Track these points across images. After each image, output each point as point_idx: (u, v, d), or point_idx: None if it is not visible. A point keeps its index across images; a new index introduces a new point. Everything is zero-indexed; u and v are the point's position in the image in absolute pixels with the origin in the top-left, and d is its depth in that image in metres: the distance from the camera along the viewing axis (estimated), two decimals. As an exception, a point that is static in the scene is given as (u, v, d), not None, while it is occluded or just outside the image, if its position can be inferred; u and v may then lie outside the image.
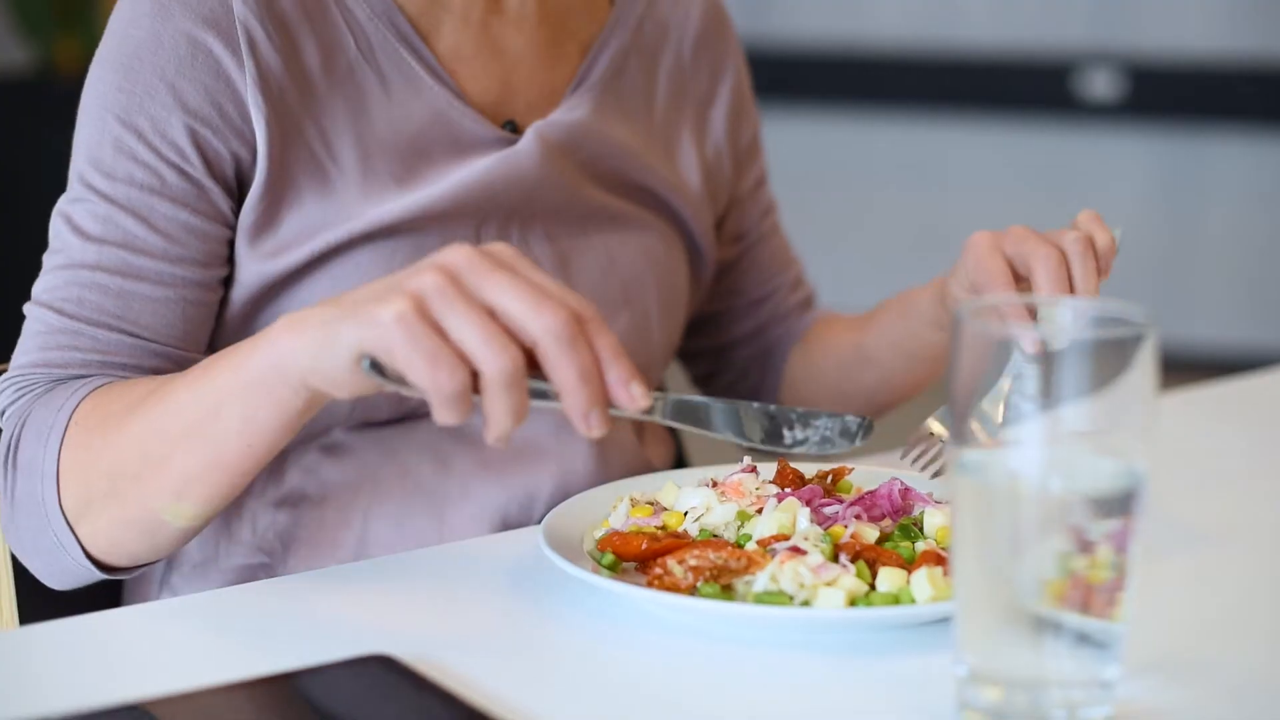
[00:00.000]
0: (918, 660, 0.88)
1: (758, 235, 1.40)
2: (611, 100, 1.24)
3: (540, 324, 0.84)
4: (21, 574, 1.12)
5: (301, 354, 0.90)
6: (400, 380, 0.87)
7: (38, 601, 1.15)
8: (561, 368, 0.84)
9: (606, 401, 0.86)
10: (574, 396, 0.85)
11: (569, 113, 1.21)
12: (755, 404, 0.94)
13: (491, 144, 1.17)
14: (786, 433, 0.94)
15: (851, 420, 0.95)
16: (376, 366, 0.87)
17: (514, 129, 1.19)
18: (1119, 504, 0.76)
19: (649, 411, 0.89)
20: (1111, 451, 0.76)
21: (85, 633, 0.92)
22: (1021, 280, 1.08)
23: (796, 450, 0.94)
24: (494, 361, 0.83)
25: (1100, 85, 4.34)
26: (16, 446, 1.05)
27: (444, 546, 1.08)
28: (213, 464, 0.97)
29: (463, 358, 0.84)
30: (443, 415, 0.85)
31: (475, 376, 0.85)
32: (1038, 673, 0.77)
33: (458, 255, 0.86)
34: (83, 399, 1.04)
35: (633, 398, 0.86)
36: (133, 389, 1.03)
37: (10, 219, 3.65)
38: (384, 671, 0.84)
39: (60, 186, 1.12)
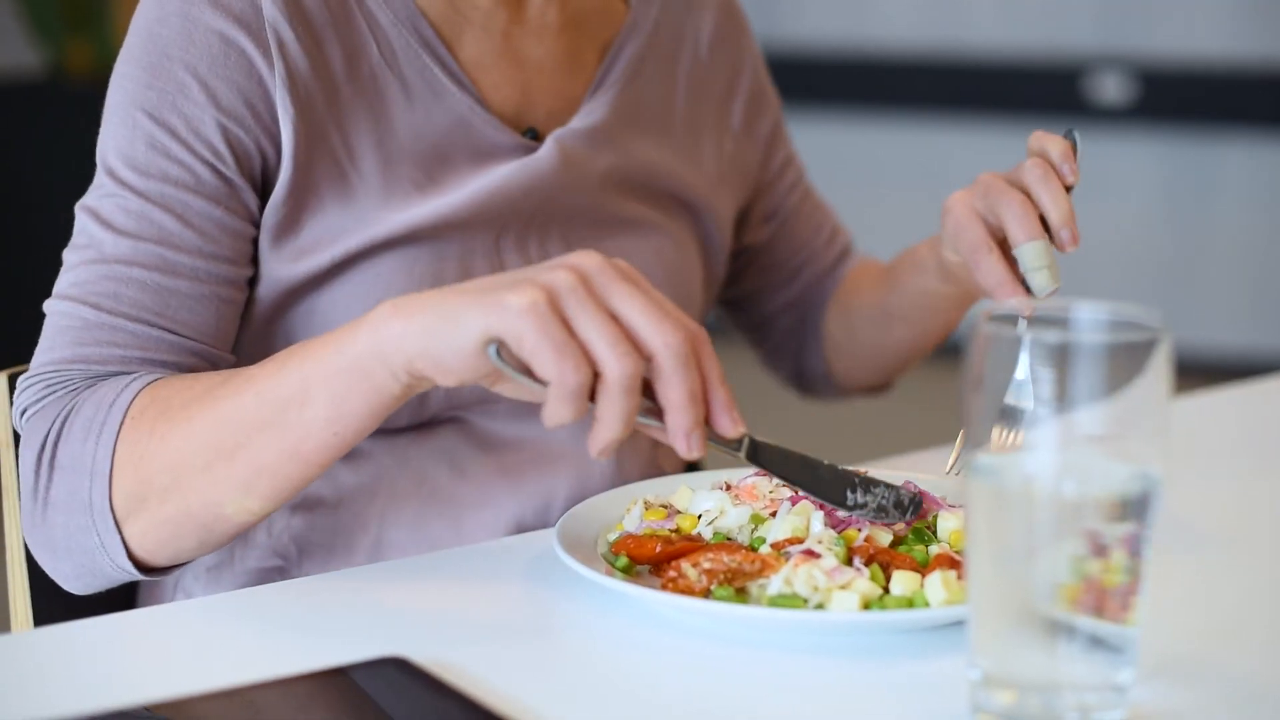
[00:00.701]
0: (931, 664, 0.88)
1: (789, 209, 1.43)
2: (629, 103, 1.25)
3: (662, 340, 0.86)
4: (36, 575, 1.12)
5: (413, 337, 0.90)
6: (522, 369, 0.88)
7: (52, 603, 1.15)
8: (674, 385, 0.87)
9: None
10: (680, 414, 0.87)
11: (587, 118, 1.21)
12: (825, 461, 0.99)
13: (512, 151, 1.17)
14: (849, 494, 0.99)
15: (905, 494, 1.00)
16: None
17: (535, 137, 1.19)
18: (1133, 508, 0.76)
19: (736, 446, 0.93)
20: (1125, 456, 0.76)
21: (99, 634, 0.93)
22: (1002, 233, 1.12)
23: (855, 513, 0.98)
24: (618, 363, 0.85)
25: (1110, 89, 4.34)
26: (56, 444, 1.03)
27: (459, 549, 1.08)
28: (290, 454, 0.96)
29: (587, 356, 0.86)
30: (558, 410, 0.86)
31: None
32: (1051, 676, 0.77)
33: (588, 260, 0.88)
34: (138, 393, 1.02)
35: (734, 422, 0.90)
36: (194, 383, 1.01)
37: (21, 220, 3.65)
38: (399, 673, 0.84)
39: (71, 188, 1.11)
